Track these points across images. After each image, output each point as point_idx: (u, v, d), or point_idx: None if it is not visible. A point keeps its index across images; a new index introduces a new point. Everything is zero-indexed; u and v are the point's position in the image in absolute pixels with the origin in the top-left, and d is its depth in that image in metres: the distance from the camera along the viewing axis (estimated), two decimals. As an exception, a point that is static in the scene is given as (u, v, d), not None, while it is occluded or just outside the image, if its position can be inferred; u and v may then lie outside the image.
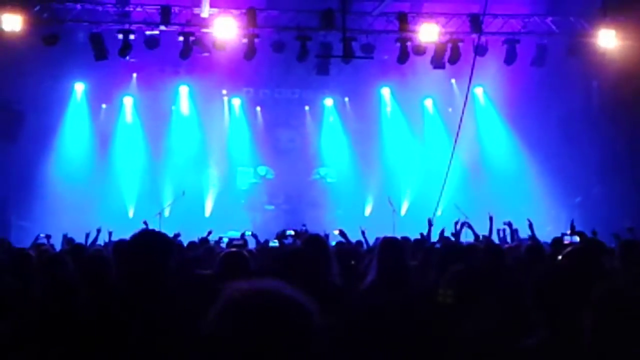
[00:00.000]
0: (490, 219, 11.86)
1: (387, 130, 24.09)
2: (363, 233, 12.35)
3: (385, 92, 23.51)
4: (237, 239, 12.58)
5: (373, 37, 18.04)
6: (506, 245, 10.31)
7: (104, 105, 22.69)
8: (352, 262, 7.77)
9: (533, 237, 11.33)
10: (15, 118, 19.27)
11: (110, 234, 12.78)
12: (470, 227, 11.75)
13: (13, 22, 15.91)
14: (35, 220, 18.49)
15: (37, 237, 13.28)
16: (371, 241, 11.71)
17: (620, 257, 6.00)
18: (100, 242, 12.46)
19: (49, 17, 16.89)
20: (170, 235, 6.91)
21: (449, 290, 3.42)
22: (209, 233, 13.17)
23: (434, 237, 11.30)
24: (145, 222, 13.80)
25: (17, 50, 16.86)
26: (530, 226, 11.68)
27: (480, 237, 11.44)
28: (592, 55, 17.77)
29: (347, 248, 9.58)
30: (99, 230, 12.97)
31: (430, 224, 11.60)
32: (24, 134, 19.60)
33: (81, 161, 21.62)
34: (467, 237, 11.62)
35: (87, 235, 12.63)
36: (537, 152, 20.95)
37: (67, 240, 12.50)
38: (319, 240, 5.79)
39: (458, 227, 11.53)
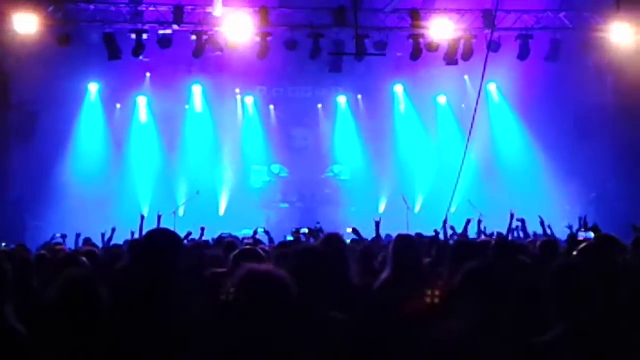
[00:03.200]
0: (512, 215, 11.83)
1: (400, 128, 24.05)
2: (377, 224, 12.22)
3: (399, 89, 23.45)
4: (248, 238, 12.58)
5: (385, 34, 18.02)
6: (520, 242, 10.29)
7: (118, 105, 22.76)
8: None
9: (545, 233, 11.29)
10: (29, 119, 19.38)
11: (132, 233, 12.78)
12: (472, 223, 11.74)
13: (27, 23, 16.00)
14: (50, 221, 18.58)
15: (53, 237, 13.35)
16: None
17: (634, 253, 5.96)
18: (119, 241, 12.48)
19: (62, 18, 16.98)
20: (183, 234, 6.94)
21: (437, 291, 3.46)
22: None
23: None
24: (159, 216, 13.86)
25: (31, 51, 16.94)
26: (542, 224, 11.65)
27: (494, 233, 11.41)
28: (606, 50, 17.68)
29: (363, 246, 9.54)
30: (113, 230, 13.02)
31: (445, 224, 11.56)
32: (38, 135, 19.70)
33: (96, 161, 21.68)
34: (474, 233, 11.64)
35: (103, 236, 12.68)
36: (551, 147, 20.83)
37: (85, 240, 12.55)
38: (337, 239, 5.78)
39: (464, 224, 11.54)
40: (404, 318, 3.46)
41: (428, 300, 3.41)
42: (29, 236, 16.80)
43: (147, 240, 4.56)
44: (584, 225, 10.89)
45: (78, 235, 13.13)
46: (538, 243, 6.79)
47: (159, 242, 4.47)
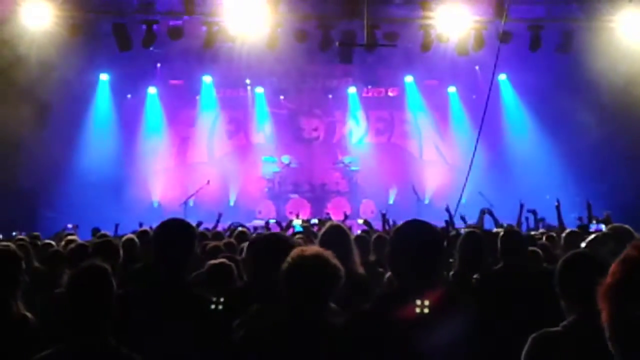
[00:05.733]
0: (521, 206, 11.81)
1: (411, 118, 24.08)
2: (384, 216, 12.30)
3: (409, 79, 23.42)
4: (261, 227, 12.69)
5: (396, 25, 17.97)
6: (532, 233, 10.29)
7: (129, 96, 22.84)
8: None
9: (559, 219, 11.25)
10: (41, 110, 19.41)
11: (140, 225, 12.88)
12: (491, 214, 11.72)
13: (38, 14, 16.05)
14: (62, 211, 18.67)
15: (65, 228, 13.43)
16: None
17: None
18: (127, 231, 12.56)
19: (73, 8, 17.00)
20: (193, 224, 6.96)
21: (426, 301, 3.46)
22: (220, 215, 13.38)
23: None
24: (140, 224, 13.75)
25: (42, 42, 16.98)
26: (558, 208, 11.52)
27: (505, 224, 11.40)
28: (618, 40, 17.58)
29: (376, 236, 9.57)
30: (117, 226, 13.12)
31: (449, 211, 11.58)
32: (50, 126, 19.74)
33: (107, 151, 21.75)
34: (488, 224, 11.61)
35: (117, 226, 12.81)
36: (562, 138, 20.75)
37: (94, 230, 12.64)
38: (340, 229, 5.78)
39: (480, 215, 11.52)
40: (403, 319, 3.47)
41: (417, 310, 3.41)
42: (41, 226, 16.88)
43: (161, 230, 4.58)
44: (590, 215, 10.89)
45: (74, 227, 13.21)
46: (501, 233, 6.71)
47: (173, 232, 4.50)
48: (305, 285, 3.62)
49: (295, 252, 3.74)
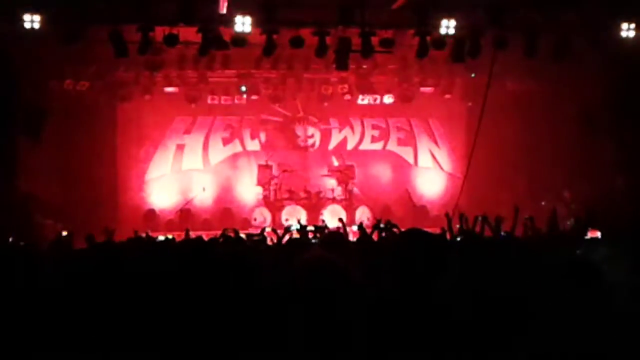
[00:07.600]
0: (516, 211, 11.75)
1: (407, 125, 24.11)
2: (379, 222, 12.23)
3: (405, 86, 23.33)
4: (257, 235, 12.63)
5: (392, 32, 17.97)
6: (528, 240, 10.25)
7: (124, 102, 22.76)
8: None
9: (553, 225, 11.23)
10: (38, 116, 19.37)
11: (135, 232, 12.82)
12: (488, 222, 11.68)
13: (33, 20, 16.01)
14: (58, 218, 18.62)
15: (59, 235, 13.39)
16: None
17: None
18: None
19: (68, 15, 16.96)
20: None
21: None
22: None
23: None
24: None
25: (38, 49, 16.95)
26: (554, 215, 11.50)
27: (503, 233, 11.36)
28: (614, 48, 17.60)
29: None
30: (111, 232, 13.07)
31: (448, 218, 11.51)
32: (47, 132, 19.69)
33: (102, 158, 21.67)
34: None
35: (112, 233, 12.75)
36: (558, 144, 20.74)
37: (88, 237, 12.56)
38: (339, 236, 5.76)
39: (478, 223, 11.45)
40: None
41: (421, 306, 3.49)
42: (36, 232, 16.84)
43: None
44: (588, 222, 10.87)
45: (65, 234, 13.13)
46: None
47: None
48: (318, 285, 3.80)
49: (301, 257, 3.99)
